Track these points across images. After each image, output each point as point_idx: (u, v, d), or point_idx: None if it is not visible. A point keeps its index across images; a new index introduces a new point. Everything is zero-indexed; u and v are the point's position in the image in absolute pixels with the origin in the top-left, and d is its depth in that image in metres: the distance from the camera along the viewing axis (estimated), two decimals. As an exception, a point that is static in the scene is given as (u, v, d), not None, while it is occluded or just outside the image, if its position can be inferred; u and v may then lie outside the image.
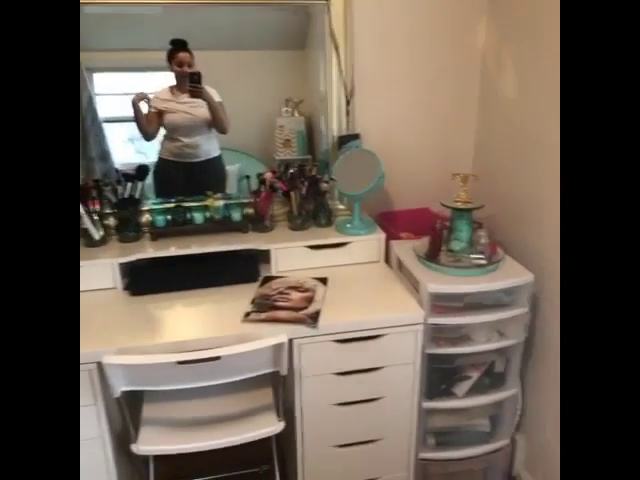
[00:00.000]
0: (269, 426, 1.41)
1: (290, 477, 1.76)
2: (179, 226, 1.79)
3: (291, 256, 1.74)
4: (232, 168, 2.00)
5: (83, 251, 1.67)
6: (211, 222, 1.81)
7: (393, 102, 1.95)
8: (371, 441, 1.61)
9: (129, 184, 1.74)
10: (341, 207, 1.96)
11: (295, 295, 1.55)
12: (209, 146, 1.94)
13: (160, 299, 1.57)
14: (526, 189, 1.74)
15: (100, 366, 1.27)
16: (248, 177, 1.84)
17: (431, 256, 1.66)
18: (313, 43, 1.88)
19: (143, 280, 1.64)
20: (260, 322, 1.42)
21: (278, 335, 1.29)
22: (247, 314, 1.45)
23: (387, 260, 1.83)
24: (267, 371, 1.34)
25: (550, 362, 1.67)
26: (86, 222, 1.66)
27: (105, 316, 1.48)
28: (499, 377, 1.74)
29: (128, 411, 1.32)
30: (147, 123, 1.86)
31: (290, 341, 1.38)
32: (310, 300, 1.52)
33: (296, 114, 2.00)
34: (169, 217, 1.79)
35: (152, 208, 1.81)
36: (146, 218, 1.80)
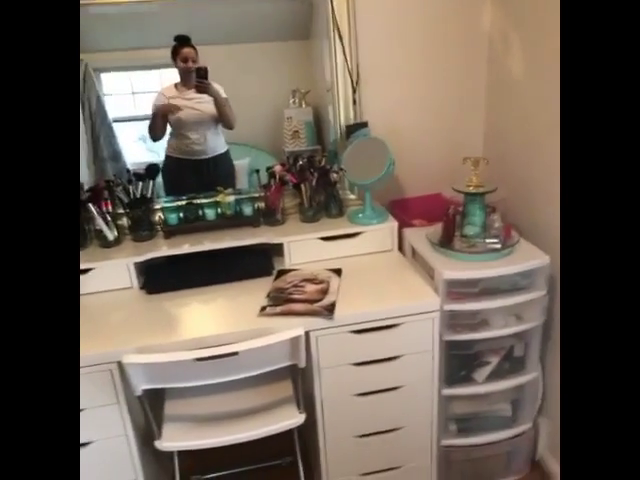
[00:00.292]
0: (290, 419, 1.42)
1: (313, 468, 1.77)
2: (191, 223, 1.80)
3: (304, 248, 1.73)
4: (242, 162, 1.99)
5: (98, 252, 1.69)
6: (223, 218, 1.81)
7: (400, 88, 1.93)
8: (392, 430, 1.62)
9: (140, 183, 1.75)
10: (352, 197, 1.95)
11: (310, 287, 1.55)
12: (216, 142, 1.93)
13: (176, 296, 1.58)
14: (537, 172, 1.71)
15: (120, 365, 1.29)
16: (258, 171, 1.83)
17: (445, 242, 1.64)
18: (317, 32, 1.86)
19: (159, 278, 1.65)
20: (276, 316, 1.42)
21: (295, 328, 1.29)
22: (263, 308, 1.45)
23: (400, 248, 1.82)
24: (285, 364, 1.34)
25: (570, 344, 1.65)
26: (100, 223, 1.67)
27: (123, 316, 1.50)
28: (519, 361, 1.73)
29: (150, 409, 1.33)
30: (154, 124, 1.86)
31: (307, 333, 1.38)
32: (325, 292, 1.52)
33: (303, 105, 1.99)
34: (181, 215, 1.80)
35: (164, 206, 1.82)
36: (158, 217, 1.81)
